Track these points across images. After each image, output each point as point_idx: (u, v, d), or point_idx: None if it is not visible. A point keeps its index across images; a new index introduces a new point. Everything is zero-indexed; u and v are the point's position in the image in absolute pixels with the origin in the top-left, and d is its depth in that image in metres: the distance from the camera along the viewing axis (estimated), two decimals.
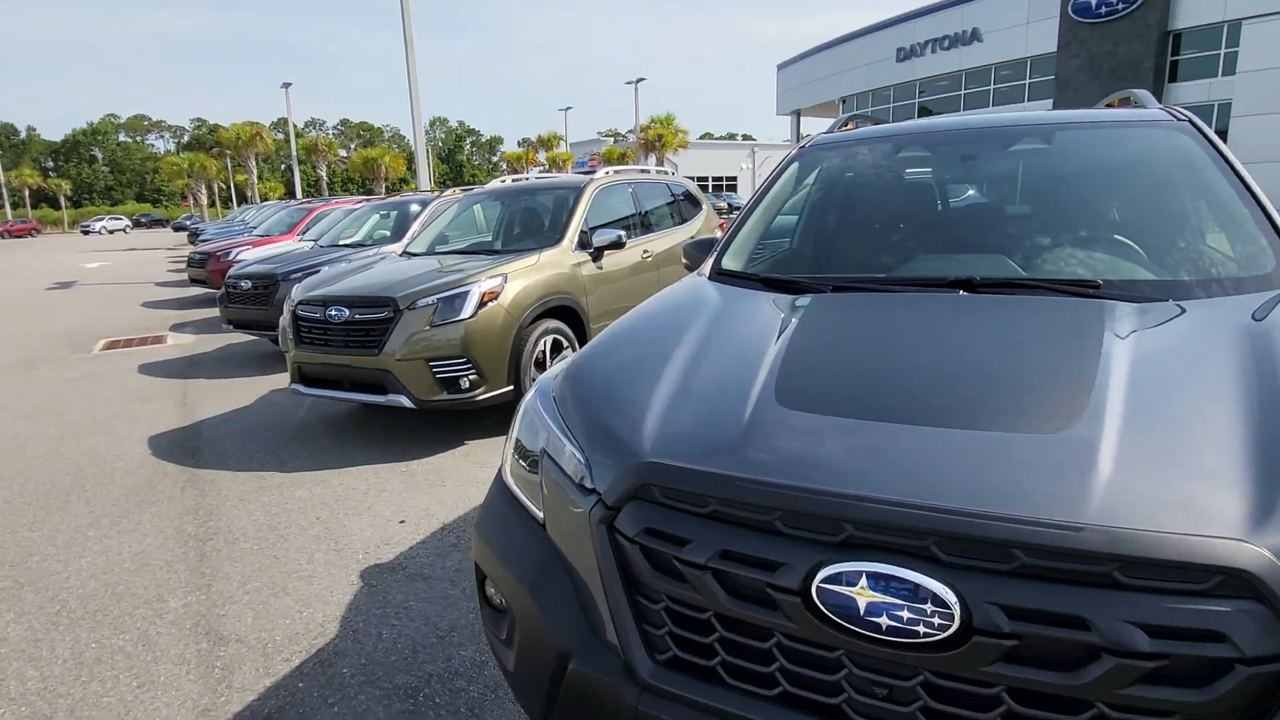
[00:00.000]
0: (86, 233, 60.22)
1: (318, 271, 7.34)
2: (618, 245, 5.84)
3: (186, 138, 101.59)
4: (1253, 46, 22.69)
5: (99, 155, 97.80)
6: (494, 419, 5.40)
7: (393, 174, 46.93)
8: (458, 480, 4.33)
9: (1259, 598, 1.01)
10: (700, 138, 65.85)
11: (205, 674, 2.60)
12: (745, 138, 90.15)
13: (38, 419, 6.02)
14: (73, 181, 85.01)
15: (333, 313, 4.98)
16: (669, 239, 6.98)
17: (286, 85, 44.76)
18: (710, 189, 54.72)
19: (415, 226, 8.98)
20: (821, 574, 1.18)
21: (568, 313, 5.52)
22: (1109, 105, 3.47)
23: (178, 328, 10.69)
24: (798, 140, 45.90)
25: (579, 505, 1.49)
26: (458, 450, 4.85)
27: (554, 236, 5.82)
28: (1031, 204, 2.49)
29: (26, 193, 72.48)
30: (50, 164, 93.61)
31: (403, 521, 3.79)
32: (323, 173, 49.88)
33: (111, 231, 60.69)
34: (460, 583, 3.12)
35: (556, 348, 5.34)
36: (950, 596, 1.10)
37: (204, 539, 3.70)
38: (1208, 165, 2.28)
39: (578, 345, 5.56)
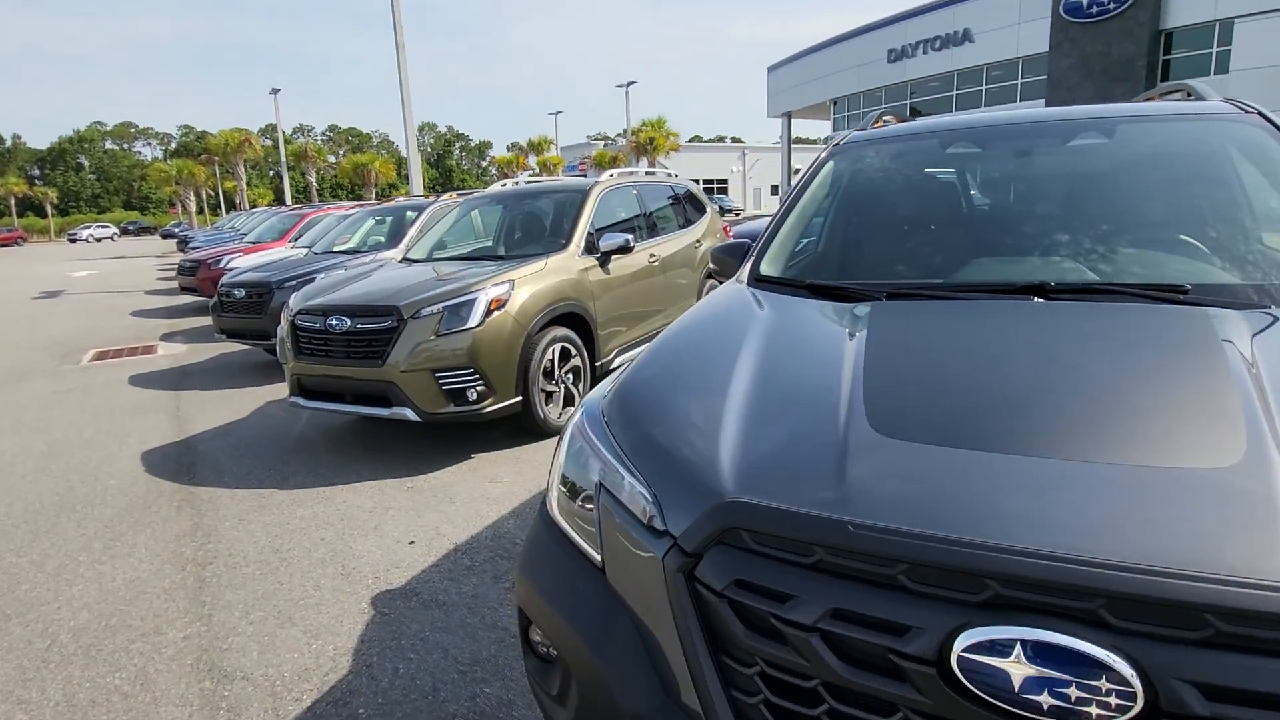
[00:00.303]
0: (73, 241, 59.68)
1: (313, 279, 7.15)
2: (626, 249, 5.67)
3: (174, 144, 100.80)
4: (1246, 45, 22.74)
5: (85, 163, 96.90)
6: (500, 431, 5.22)
7: (383, 179, 46.65)
8: (467, 497, 4.14)
9: None
10: (689, 141, 65.80)
11: (209, 716, 2.41)
12: (734, 140, 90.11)
13: (25, 434, 5.80)
14: (59, 189, 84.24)
15: (333, 322, 4.79)
16: (675, 243, 6.82)
17: (275, 91, 44.28)
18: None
19: (412, 232, 8.80)
20: (963, 640, 0.99)
21: (575, 320, 5.33)
22: (1149, 99, 3.33)
23: (168, 337, 10.44)
24: (789, 142, 46.09)
25: (648, 550, 1.31)
26: (464, 465, 4.66)
27: (560, 241, 5.64)
28: (1096, 202, 2.32)
29: (12, 201, 71.60)
30: (36, 172, 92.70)
31: (412, 542, 3.60)
32: (312, 179, 49.46)
33: (99, 239, 60.14)
34: (479, 610, 2.94)
35: (564, 356, 5.16)
36: (1128, 670, 0.92)
37: (203, 563, 3.50)
38: None
39: (586, 354, 5.38)
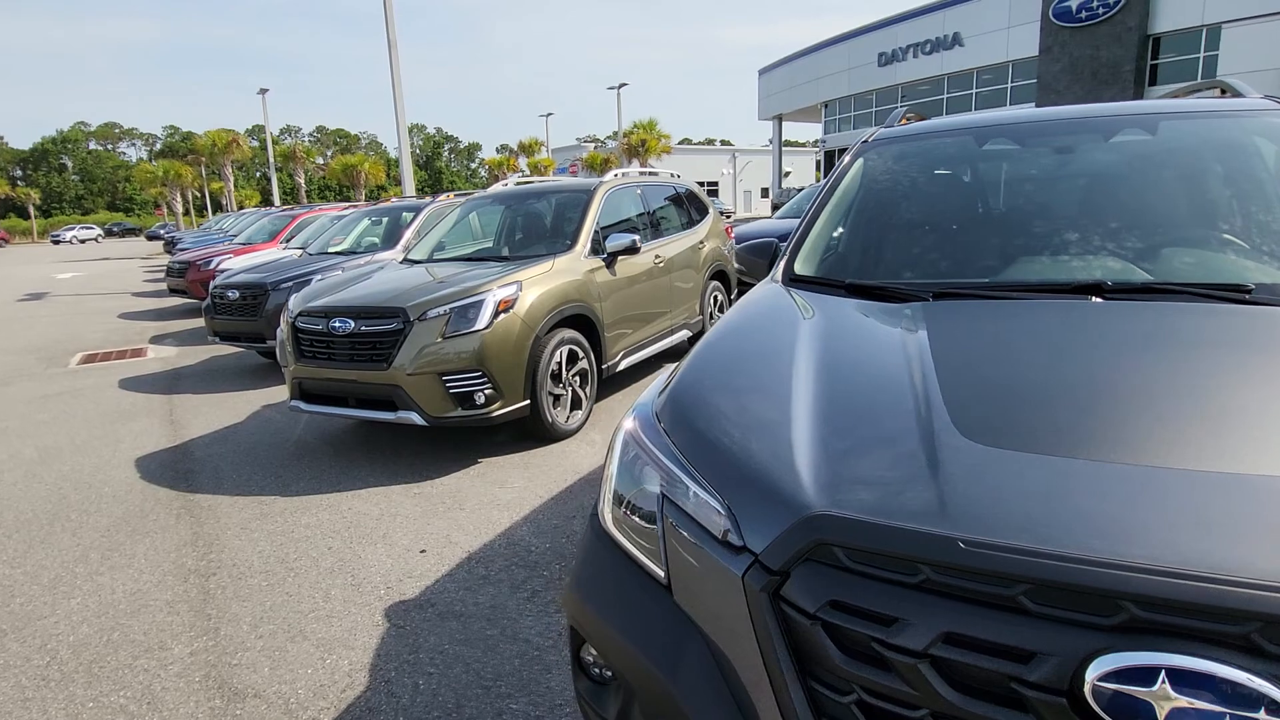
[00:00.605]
0: (57, 242, 58.98)
1: (310, 281, 7.02)
2: (633, 250, 5.58)
3: (159, 145, 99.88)
4: (1233, 50, 22.94)
5: (69, 164, 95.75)
6: (506, 435, 5.11)
7: (372, 180, 46.33)
8: (476, 503, 4.03)
9: None
10: (679, 143, 65.79)
11: None
12: (724, 143, 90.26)
13: (13, 440, 5.63)
14: (42, 190, 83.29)
15: (336, 324, 4.67)
16: (680, 243, 6.74)
17: (263, 91, 43.84)
18: None
19: (410, 233, 8.68)
20: (1097, 668, 0.91)
21: (582, 322, 5.24)
22: (1175, 96, 3.27)
23: (158, 339, 10.25)
24: (780, 145, 46.19)
25: (725, 568, 1.21)
26: (472, 470, 4.55)
27: (565, 241, 5.54)
28: (1144, 200, 2.25)
29: None
30: (18, 173, 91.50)
31: (424, 551, 3.50)
32: (300, 180, 49.02)
33: (83, 241, 59.49)
34: (498, 621, 2.84)
35: (572, 359, 5.06)
36: None
37: (206, 574, 3.38)
38: None
39: (593, 356, 5.28)
